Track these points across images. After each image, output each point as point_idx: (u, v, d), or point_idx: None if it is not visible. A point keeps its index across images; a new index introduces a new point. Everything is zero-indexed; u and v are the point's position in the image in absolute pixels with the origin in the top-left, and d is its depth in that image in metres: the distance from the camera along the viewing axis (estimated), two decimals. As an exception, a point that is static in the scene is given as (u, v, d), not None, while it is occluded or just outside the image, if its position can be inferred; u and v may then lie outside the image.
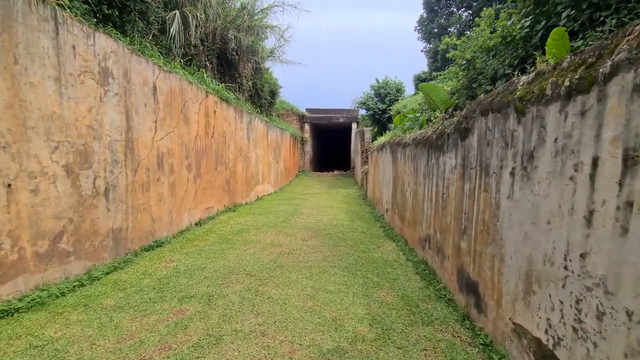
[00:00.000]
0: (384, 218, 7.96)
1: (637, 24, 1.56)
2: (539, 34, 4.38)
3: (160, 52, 6.74)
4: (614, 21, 2.88)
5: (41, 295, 3.11)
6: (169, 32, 7.01)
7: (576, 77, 1.81)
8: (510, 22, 4.83)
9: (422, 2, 21.56)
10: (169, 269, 4.13)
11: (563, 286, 1.85)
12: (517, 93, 2.38)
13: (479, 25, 6.30)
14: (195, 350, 2.40)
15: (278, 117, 17.78)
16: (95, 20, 4.59)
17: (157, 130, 5.26)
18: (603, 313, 1.59)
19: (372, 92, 18.21)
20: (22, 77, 3.05)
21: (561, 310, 1.86)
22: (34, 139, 3.19)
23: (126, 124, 4.51)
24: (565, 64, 1.97)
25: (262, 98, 13.13)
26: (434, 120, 6.04)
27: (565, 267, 1.83)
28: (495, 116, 2.67)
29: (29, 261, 3.17)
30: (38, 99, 3.21)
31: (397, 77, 18.40)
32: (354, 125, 21.34)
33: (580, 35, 3.33)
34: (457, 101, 5.15)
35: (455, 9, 21.06)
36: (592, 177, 1.67)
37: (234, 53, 9.84)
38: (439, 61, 18.66)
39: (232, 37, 9.38)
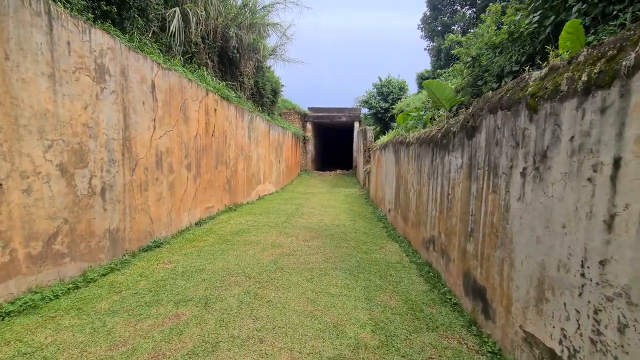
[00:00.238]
0: (386, 218, 7.84)
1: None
2: (548, 30, 4.24)
3: (160, 50, 6.65)
4: (628, 15, 2.75)
5: (34, 298, 3.02)
6: (169, 29, 6.91)
7: (595, 71, 1.68)
8: (517, 18, 4.69)
9: (426, 0, 21.34)
10: (167, 270, 4.04)
11: (580, 295, 1.73)
12: (529, 89, 2.25)
13: (484, 22, 6.16)
14: (190, 358, 2.30)
15: (280, 116, 17.67)
16: (93, 16, 4.51)
17: (156, 129, 5.16)
18: (625, 325, 1.47)
19: (375, 90, 18.06)
20: (13, 74, 2.95)
21: (578, 321, 1.74)
22: (27, 137, 3.10)
23: (123, 122, 4.41)
24: (581, 58, 1.84)
25: (264, 97, 13.02)
26: (437, 119, 5.91)
27: (583, 275, 1.71)
28: (504, 114, 2.55)
29: (21, 263, 3.08)
30: (30, 96, 3.11)
31: (400, 76, 18.26)
32: (356, 124, 21.19)
33: (592, 30, 3.19)
34: (462, 99, 5.01)
35: (459, 7, 20.84)
36: (614, 178, 1.54)
37: (235, 51, 9.73)
38: (442, 59, 18.45)
39: (233, 34, 9.27)
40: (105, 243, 4.13)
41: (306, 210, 8.81)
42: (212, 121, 7.27)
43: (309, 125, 21.19)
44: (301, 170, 19.98)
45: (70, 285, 3.42)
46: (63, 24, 3.44)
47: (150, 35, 6.48)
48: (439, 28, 20.94)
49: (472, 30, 6.63)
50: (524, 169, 2.26)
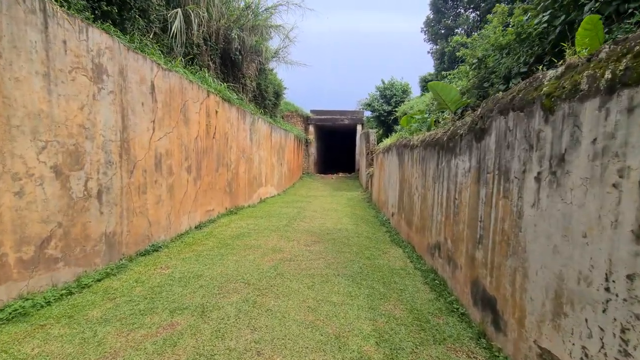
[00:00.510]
0: (389, 222, 7.69)
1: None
2: (558, 30, 4.11)
3: (162, 51, 6.58)
4: (644, 13, 2.62)
5: (24, 305, 2.91)
6: (171, 30, 6.85)
7: (621, 68, 1.55)
8: (526, 18, 4.57)
9: (429, 3, 21.29)
10: (164, 276, 3.92)
11: (604, 311, 1.59)
12: (544, 89, 2.12)
13: (490, 23, 6.04)
14: (184, 371, 2.18)
15: (282, 118, 17.60)
16: (93, 16, 4.44)
17: (155, 131, 5.07)
18: (659, 347, 1.33)
19: (378, 93, 17.96)
20: (6, 72, 2.86)
21: (601, 339, 1.60)
22: (19, 138, 3.00)
23: (122, 124, 4.32)
24: (603, 55, 1.71)
25: (266, 99, 12.95)
26: (442, 122, 5.78)
27: (607, 289, 1.57)
28: (517, 115, 2.42)
29: (11, 268, 2.97)
30: (24, 96, 3.02)
31: (403, 79, 18.16)
32: (358, 127, 21.09)
33: (606, 30, 3.06)
34: (468, 101, 4.89)
35: (462, 10, 20.76)
36: (643, 184, 1.41)
37: (238, 53, 9.67)
38: (445, 62, 18.35)
39: (236, 36, 9.21)
40: (101, 247, 4.02)
41: (308, 213, 8.68)
42: (213, 123, 7.18)
43: (311, 128, 21.10)
44: (303, 173, 19.87)
45: (63, 292, 3.31)
46: (59, 22, 3.36)
47: (151, 37, 6.42)
48: (443, 31, 20.85)
49: (475, 34, 6.51)
50: (539, 173, 2.12)
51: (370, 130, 15.64)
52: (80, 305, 3.08)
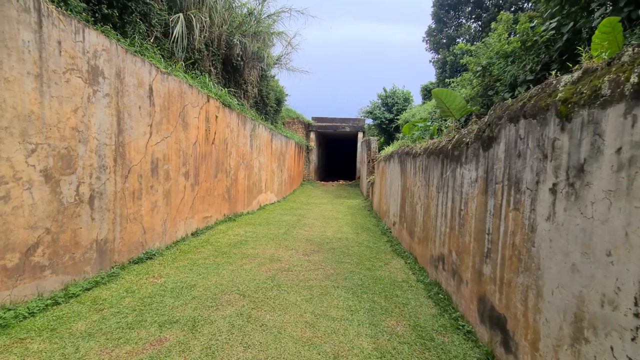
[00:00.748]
0: (390, 231, 7.52)
1: None
2: (565, 37, 4.02)
3: (163, 56, 6.52)
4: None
5: (6, 316, 2.75)
6: (172, 35, 6.79)
7: (648, 71, 1.43)
8: (532, 25, 4.48)
9: (431, 13, 21.43)
10: (156, 285, 3.75)
11: (633, 339, 1.43)
12: (559, 95, 2.00)
13: (494, 31, 5.97)
14: (169, 394, 2.01)
15: (283, 125, 17.55)
16: (93, 19, 4.37)
17: (152, 135, 4.96)
18: (701, 385, 1.17)
19: (379, 101, 17.94)
20: (-5, 72, 2.75)
21: (630, 371, 1.44)
22: (7, 140, 2.87)
23: (117, 127, 4.20)
24: (626, 58, 1.59)
25: (267, 105, 12.90)
26: (445, 130, 5.67)
27: (637, 315, 1.41)
28: (528, 122, 2.29)
29: (-7, 277, 2.82)
30: (14, 97, 2.91)
31: (405, 87, 18.16)
32: (360, 135, 21.03)
33: (618, 36, 2.96)
34: (473, 109, 4.77)
35: (464, 20, 20.87)
36: (679, 199, 1.27)
37: (239, 59, 9.63)
38: (447, 71, 18.36)
39: (238, 42, 9.18)
40: (92, 254, 3.87)
41: (308, 221, 8.51)
42: (213, 128, 7.07)
43: (312, 135, 21.05)
44: (304, 180, 19.74)
45: (49, 301, 3.14)
46: (54, 23, 3.26)
47: (152, 41, 6.36)
48: (444, 41, 20.93)
49: (476, 44, 6.45)
50: (554, 184, 1.98)
51: (372, 138, 15.55)
52: (65, 317, 2.92)
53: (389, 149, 9.24)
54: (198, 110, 6.37)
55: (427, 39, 22.21)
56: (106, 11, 4.96)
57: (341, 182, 21.59)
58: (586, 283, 1.70)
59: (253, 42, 9.96)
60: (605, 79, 1.67)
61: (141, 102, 4.66)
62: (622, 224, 1.50)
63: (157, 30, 6.68)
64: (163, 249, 5.24)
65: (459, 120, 5.27)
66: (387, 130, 16.93)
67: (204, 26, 7.84)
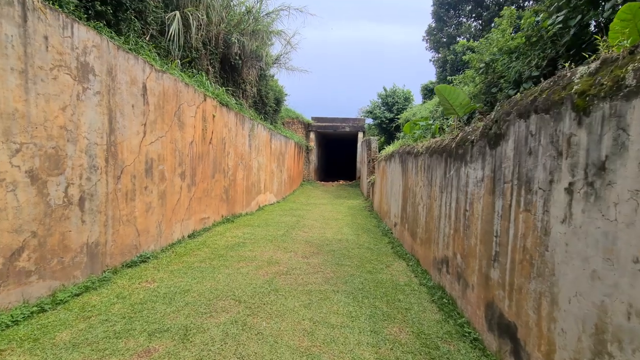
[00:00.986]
0: (392, 232, 7.37)
1: None
2: (572, 31, 3.88)
3: (159, 54, 6.38)
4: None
5: (-14, 325, 2.60)
6: (168, 33, 6.65)
7: (682, 57, 1.28)
8: (538, 19, 4.33)
9: (431, 12, 21.30)
10: (148, 291, 3.61)
11: (666, 356, 1.28)
12: (575, 87, 1.85)
13: (498, 26, 5.82)
14: (155, 412, 1.86)
15: (283, 125, 17.41)
16: (86, 16, 4.23)
17: (147, 134, 4.81)
18: None
19: (380, 100, 17.80)
20: (-26, 67, 2.61)
21: (663, 391, 1.29)
22: (-12, 139, 2.73)
23: (109, 126, 4.06)
24: (652, 45, 1.44)
25: (266, 105, 12.76)
26: (447, 129, 5.52)
27: (671, 330, 1.27)
28: (540, 118, 2.14)
29: (-26, 284, 2.67)
30: (-5, 94, 2.77)
31: (405, 86, 18.02)
32: (360, 135, 20.89)
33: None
34: (477, 105, 4.62)
35: (464, 19, 20.74)
36: None
37: (238, 58, 9.48)
38: (447, 70, 18.21)
39: (235, 40, 9.04)
40: (82, 259, 3.72)
41: (307, 222, 8.37)
42: (210, 128, 6.93)
43: (312, 135, 20.91)
44: (304, 181, 19.59)
45: (35, 309, 3.00)
46: (40, 17, 3.12)
47: (148, 39, 6.22)
48: (444, 40, 20.80)
49: (476, 42, 6.31)
50: (571, 184, 1.83)
51: (372, 137, 15.41)
52: (50, 326, 2.77)
53: (389, 149, 9.09)
54: (194, 110, 6.23)
55: (427, 38, 22.09)
56: (100, 8, 4.82)
57: (341, 182, 21.45)
58: (609, 292, 1.55)
59: (251, 40, 9.82)
60: (629, 68, 1.52)
61: (134, 101, 4.51)
62: (652, 228, 1.35)
63: (152, 29, 6.54)
64: (158, 251, 5.10)
65: (460, 119, 5.13)
66: (388, 130, 16.78)
67: (201, 24, 7.70)
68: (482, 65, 5.56)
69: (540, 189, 2.11)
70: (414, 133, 6.81)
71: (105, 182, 4.04)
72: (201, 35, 7.87)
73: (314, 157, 20.93)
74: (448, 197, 3.93)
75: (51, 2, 3.39)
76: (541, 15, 4.39)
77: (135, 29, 5.79)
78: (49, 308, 3.09)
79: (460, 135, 3.70)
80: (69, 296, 3.33)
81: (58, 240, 3.42)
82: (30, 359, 2.28)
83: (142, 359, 2.33)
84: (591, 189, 1.68)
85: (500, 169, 2.67)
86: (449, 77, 9.57)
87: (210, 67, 8.66)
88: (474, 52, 6.29)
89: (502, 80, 5.04)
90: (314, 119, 21.31)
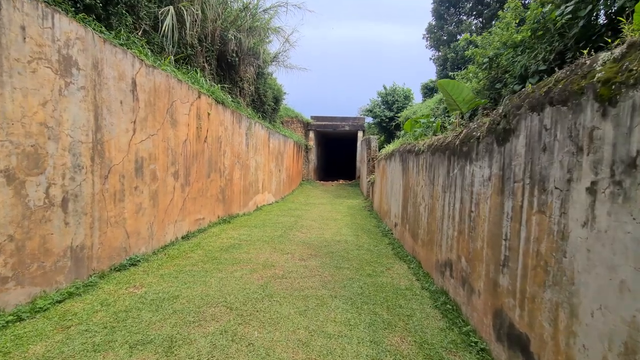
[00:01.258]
0: (392, 233, 7.18)
1: None
2: (581, 23, 3.68)
3: (152, 50, 6.18)
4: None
5: (-45, 336, 2.41)
6: (162, 28, 6.45)
7: None
8: (545, 10, 4.13)
9: (431, 10, 21.10)
10: (134, 297, 3.41)
11: None
12: (597, 75, 1.65)
13: (502, 19, 5.62)
14: None
15: (282, 124, 17.19)
16: (74, 10, 4.03)
17: (136, 132, 4.61)
18: None
19: (379, 99, 17.60)
20: (-60, 58, 2.41)
21: None
22: (-43, 136, 2.54)
23: (95, 123, 3.86)
24: (694, 22, 1.25)
25: (265, 104, 12.56)
26: (449, 126, 5.33)
27: None
28: (556, 110, 1.94)
29: (-58, 292, 2.48)
30: (-35, 87, 2.57)
31: (405, 84, 17.82)
32: (359, 134, 20.69)
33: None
34: (482, 101, 4.43)
35: (465, 17, 20.53)
36: None
37: (234, 55, 9.28)
38: (448, 68, 18.01)
39: (232, 37, 8.83)
40: (65, 263, 3.53)
41: (305, 223, 8.17)
42: (205, 126, 6.73)
43: (311, 134, 20.71)
44: (303, 180, 19.39)
45: (11, 317, 2.80)
46: (16, 5, 2.92)
47: (140, 34, 6.02)
48: (445, 37, 20.59)
49: (483, 33, 6.11)
50: (593, 183, 1.64)
51: (372, 136, 15.21)
52: (25, 337, 2.57)
53: (389, 147, 8.89)
54: (188, 107, 6.03)
55: (427, 36, 21.87)
56: (88, 1, 4.62)
57: (341, 181, 21.25)
58: (642, 306, 1.36)
59: (249, 37, 9.61)
60: (666, 49, 1.32)
61: (123, 97, 4.31)
62: (698, 234, 1.16)
63: (145, 24, 6.33)
64: (149, 254, 4.90)
65: (463, 116, 4.93)
66: (388, 129, 16.58)
67: (196, 20, 7.49)
68: (485, 60, 5.36)
69: (556, 188, 1.92)
70: (415, 131, 6.62)
71: (91, 182, 3.84)
72: (196, 32, 7.66)
73: (313, 156, 20.73)
74: (452, 197, 3.73)
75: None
76: (548, 7, 4.20)
77: (127, 23, 5.58)
78: (27, 317, 2.90)
79: (464, 131, 3.50)
80: (49, 303, 3.14)
81: (38, 244, 3.22)
82: (-4, 377, 2.09)
83: (119, 376, 2.13)
84: (619, 188, 1.49)
85: (509, 167, 2.47)
86: (450, 74, 9.36)
87: (206, 65, 8.45)
88: (476, 46, 6.08)
89: (506, 75, 4.84)
90: (313, 118, 21.11)
